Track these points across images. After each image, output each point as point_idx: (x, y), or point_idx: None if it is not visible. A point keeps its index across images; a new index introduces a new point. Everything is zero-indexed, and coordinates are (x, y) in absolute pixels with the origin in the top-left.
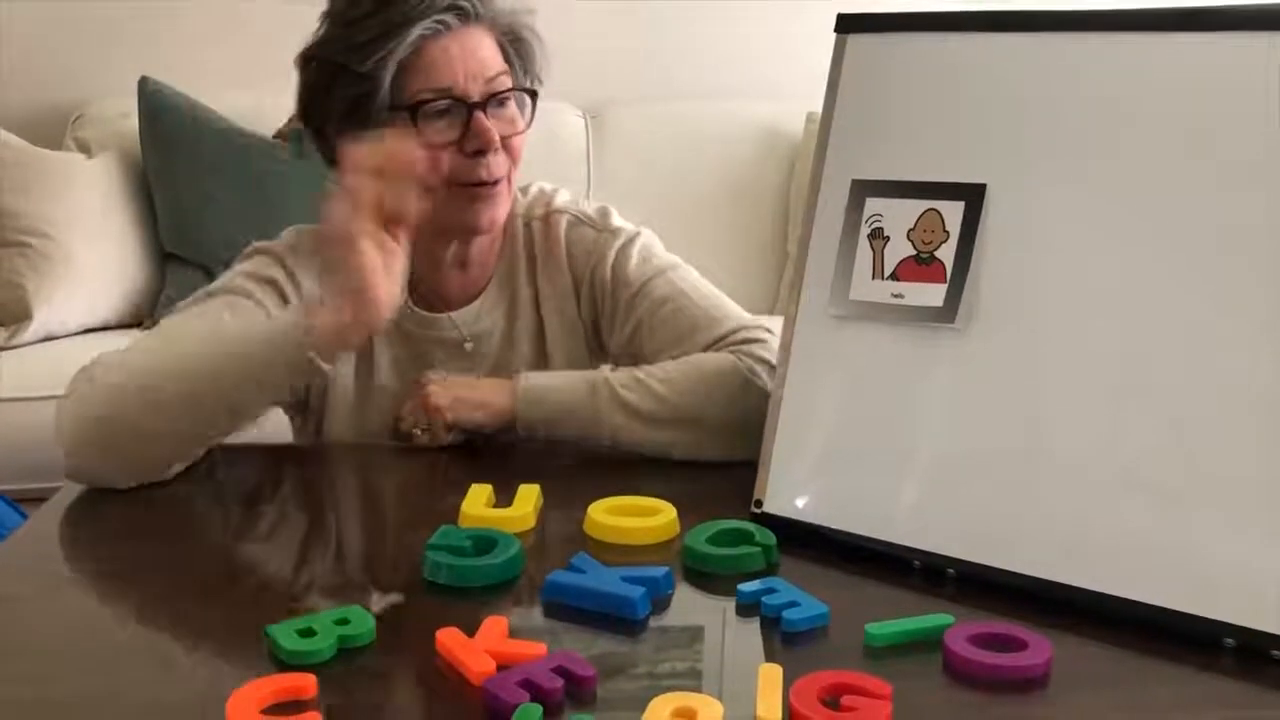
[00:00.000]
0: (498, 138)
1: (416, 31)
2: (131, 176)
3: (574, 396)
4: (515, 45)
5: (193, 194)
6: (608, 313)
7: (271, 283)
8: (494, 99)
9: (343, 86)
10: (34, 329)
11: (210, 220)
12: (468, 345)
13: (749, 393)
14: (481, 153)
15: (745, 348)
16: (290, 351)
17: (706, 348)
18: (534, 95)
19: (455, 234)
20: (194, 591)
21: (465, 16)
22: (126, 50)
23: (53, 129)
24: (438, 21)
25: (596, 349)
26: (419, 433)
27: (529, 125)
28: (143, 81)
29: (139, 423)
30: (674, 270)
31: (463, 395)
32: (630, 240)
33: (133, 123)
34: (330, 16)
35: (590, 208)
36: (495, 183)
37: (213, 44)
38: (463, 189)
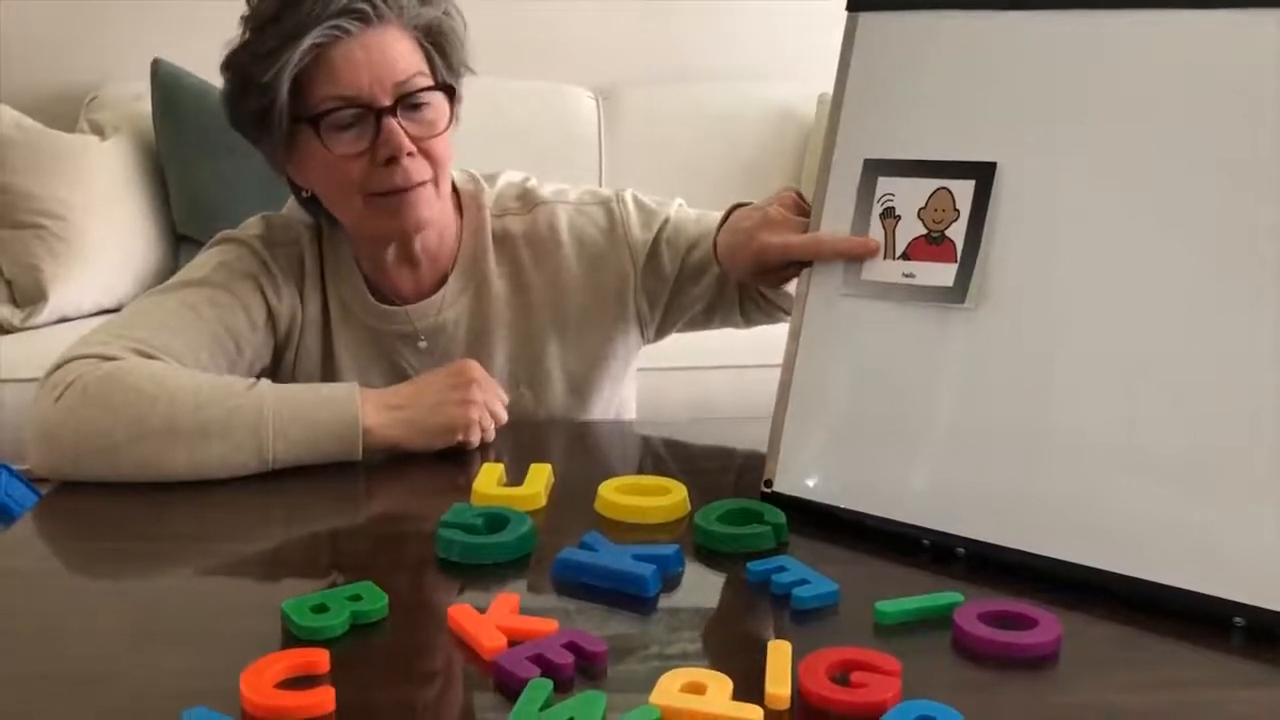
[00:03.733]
0: (408, 143)
1: (309, 40)
2: (145, 158)
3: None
4: (434, 41)
5: (205, 176)
6: (656, 260)
7: (251, 277)
8: (405, 102)
9: (249, 97)
10: (49, 310)
11: (223, 202)
12: (421, 343)
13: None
14: (394, 160)
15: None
16: (341, 453)
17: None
18: (451, 92)
19: (386, 239)
20: (208, 568)
21: (366, 19)
22: (139, 33)
23: (67, 111)
24: (334, 28)
25: (622, 317)
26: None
27: (451, 124)
28: (155, 64)
29: (127, 475)
30: (672, 204)
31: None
32: (635, 197)
33: (146, 105)
34: (244, 22)
35: (573, 192)
36: (411, 189)
37: (225, 26)
38: (380, 198)
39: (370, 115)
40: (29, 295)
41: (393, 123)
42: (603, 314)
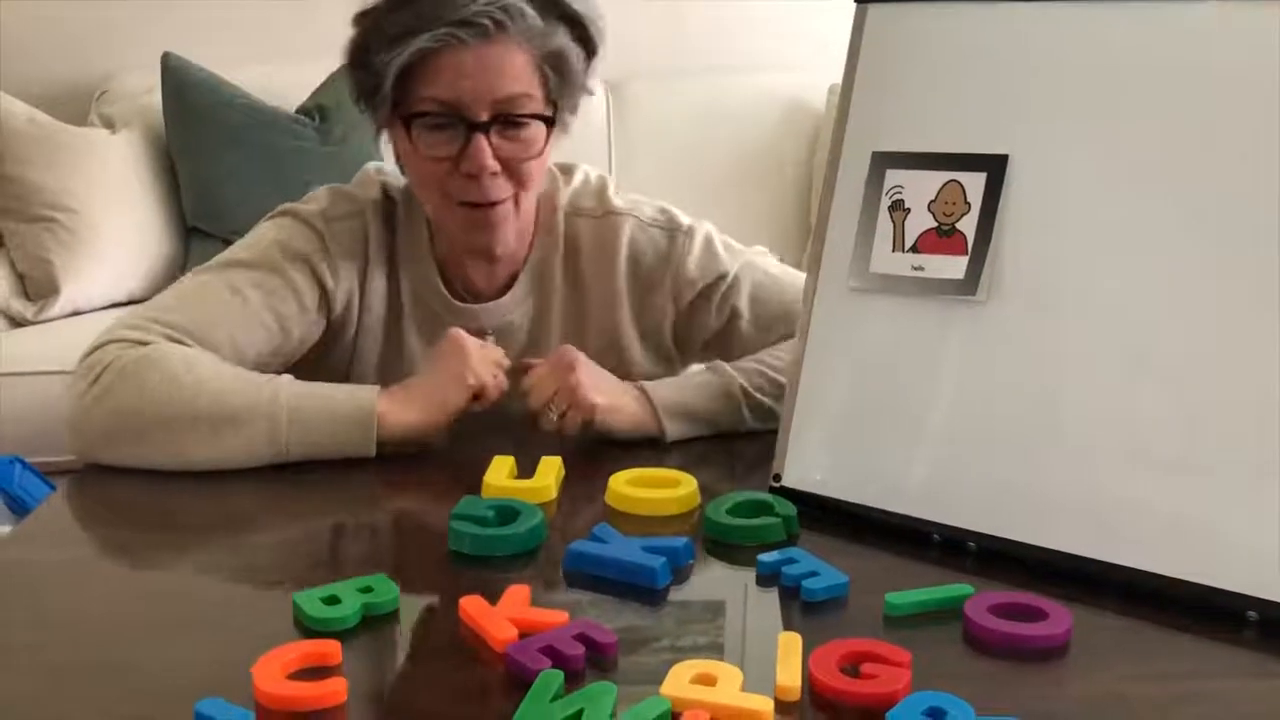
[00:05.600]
0: (493, 164)
1: (421, 41)
2: (155, 151)
3: (715, 406)
4: (555, 67)
5: (215, 168)
6: (698, 309)
7: (304, 259)
8: (502, 120)
9: (361, 71)
10: (61, 303)
11: (233, 194)
12: (489, 337)
13: None
14: (477, 175)
15: None
16: (355, 433)
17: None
18: (550, 124)
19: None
20: (220, 560)
21: (484, 33)
22: (149, 26)
23: (77, 105)
24: (449, 34)
25: (655, 351)
26: (553, 416)
27: (543, 153)
28: (165, 57)
29: (155, 460)
30: (756, 255)
31: (615, 405)
32: (708, 236)
33: (156, 98)
34: None
35: (649, 207)
36: (492, 205)
37: (235, 19)
38: (461, 207)
39: (463, 126)
40: (41, 288)
41: (482, 140)
42: (643, 338)
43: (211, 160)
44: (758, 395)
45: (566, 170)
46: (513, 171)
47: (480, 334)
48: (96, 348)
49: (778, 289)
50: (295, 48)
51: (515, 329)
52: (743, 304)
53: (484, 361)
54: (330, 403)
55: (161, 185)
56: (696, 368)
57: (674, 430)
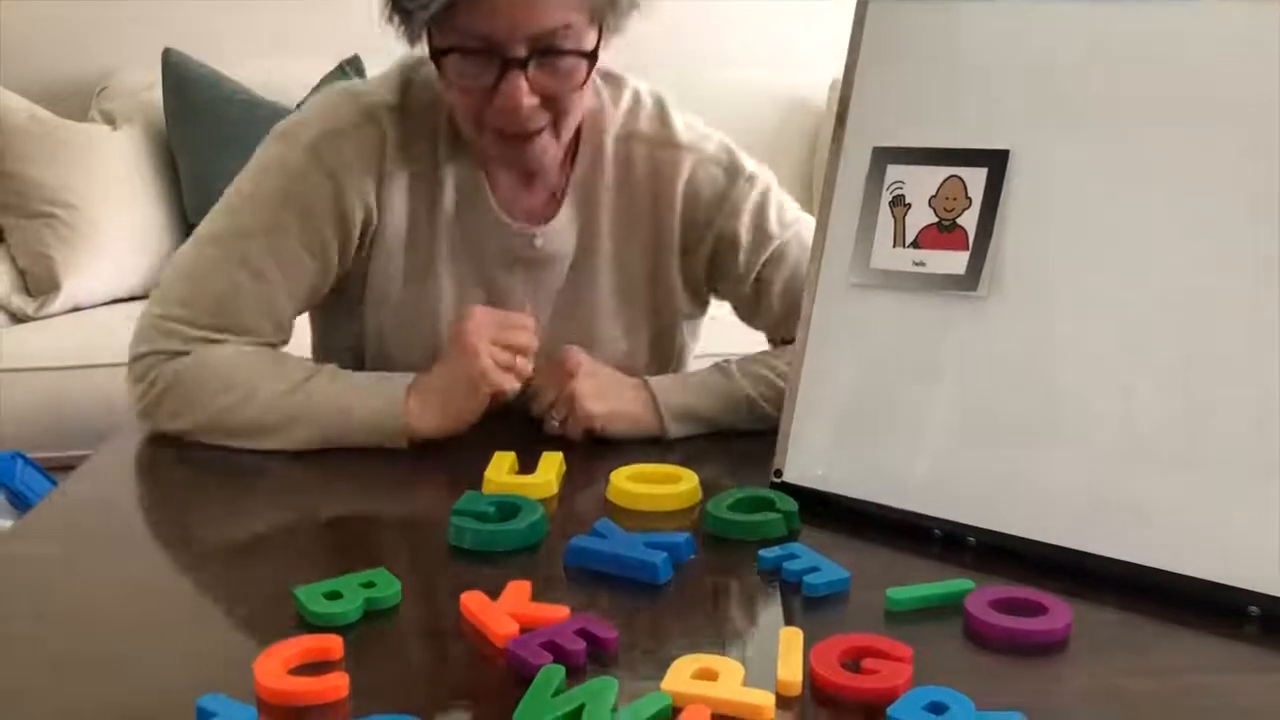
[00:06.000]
0: (527, 100)
1: None
2: (156, 147)
3: (719, 408)
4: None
5: (216, 164)
6: (732, 264)
7: (310, 209)
8: (541, 54)
9: (397, 11)
10: (62, 299)
11: None
12: (535, 249)
13: None
14: (508, 110)
15: None
16: (385, 437)
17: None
18: (592, 59)
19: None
20: (222, 554)
21: None
22: (150, 22)
23: (78, 101)
24: None
25: (694, 295)
26: (555, 422)
27: (584, 84)
28: (166, 53)
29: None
30: (802, 226)
31: (614, 409)
32: (765, 191)
33: (156, 94)
34: None
35: (713, 143)
36: (526, 135)
37: (235, 15)
38: (495, 134)
39: (498, 60)
40: (42, 284)
41: (518, 77)
42: (686, 280)
43: (212, 156)
44: (762, 404)
45: (615, 84)
46: (552, 103)
47: (521, 262)
48: (138, 358)
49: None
50: (296, 43)
51: (561, 257)
52: (778, 277)
53: (497, 365)
54: (361, 411)
55: (162, 181)
56: (704, 366)
57: (676, 430)
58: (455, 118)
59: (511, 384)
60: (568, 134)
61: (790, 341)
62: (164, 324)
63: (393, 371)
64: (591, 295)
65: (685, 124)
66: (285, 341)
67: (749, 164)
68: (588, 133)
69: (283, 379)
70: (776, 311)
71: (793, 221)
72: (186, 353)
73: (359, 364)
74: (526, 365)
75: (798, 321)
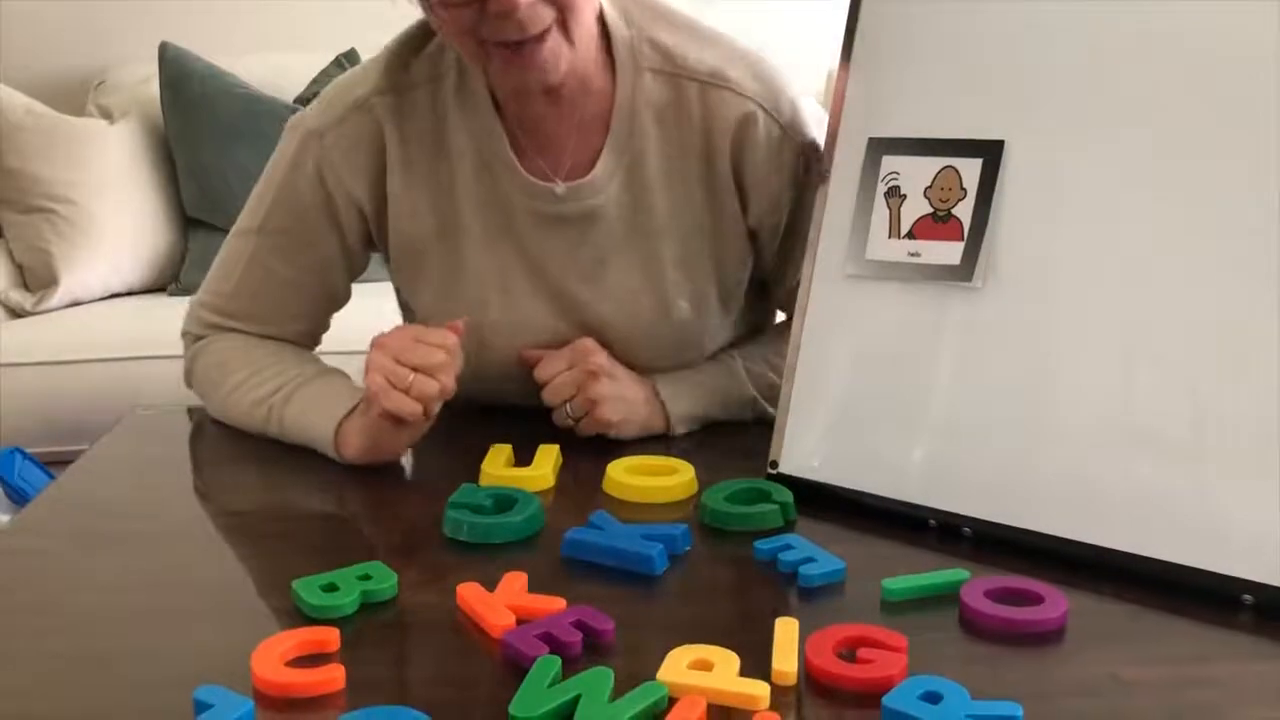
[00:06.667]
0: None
1: None
2: (153, 142)
3: (725, 410)
4: None
5: (214, 159)
6: (770, 224)
7: (312, 208)
8: None
9: None
10: (60, 294)
11: (232, 185)
12: (558, 192)
13: None
14: (504, 14)
15: None
16: (328, 450)
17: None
18: None
19: (517, 99)
20: (219, 548)
21: None
22: (147, 16)
23: (75, 95)
24: None
25: (748, 237)
26: (570, 420)
27: None
28: (163, 47)
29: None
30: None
31: (629, 416)
32: (815, 155)
33: (154, 88)
34: None
35: (785, 102)
36: (536, 40)
37: (232, 9)
38: (499, 49)
39: None
40: (40, 279)
41: None
42: (741, 220)
43: (210, 150)
44: (764, 404)
45: (646, 6)
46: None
47: (561, 220)
48: (182, 336)
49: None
50: (293, 37)
51: (604, 212)
52: (794, 229)
53: (393, 386)
54: (312, 435)
55: (160, 175)
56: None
57: (681, 430)
58: (458, 49)
59: (410, 407)
60: (582, 37)
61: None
62: (196, 307)
63: None
64: (650, 253)
65: (745, 61)
66: (312, 332)
67: (806, 127)
68: (624, 67)
69: (258, 386)
70: (790, 288)
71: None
72: (202, 338)
73: None
74: (428, 385)
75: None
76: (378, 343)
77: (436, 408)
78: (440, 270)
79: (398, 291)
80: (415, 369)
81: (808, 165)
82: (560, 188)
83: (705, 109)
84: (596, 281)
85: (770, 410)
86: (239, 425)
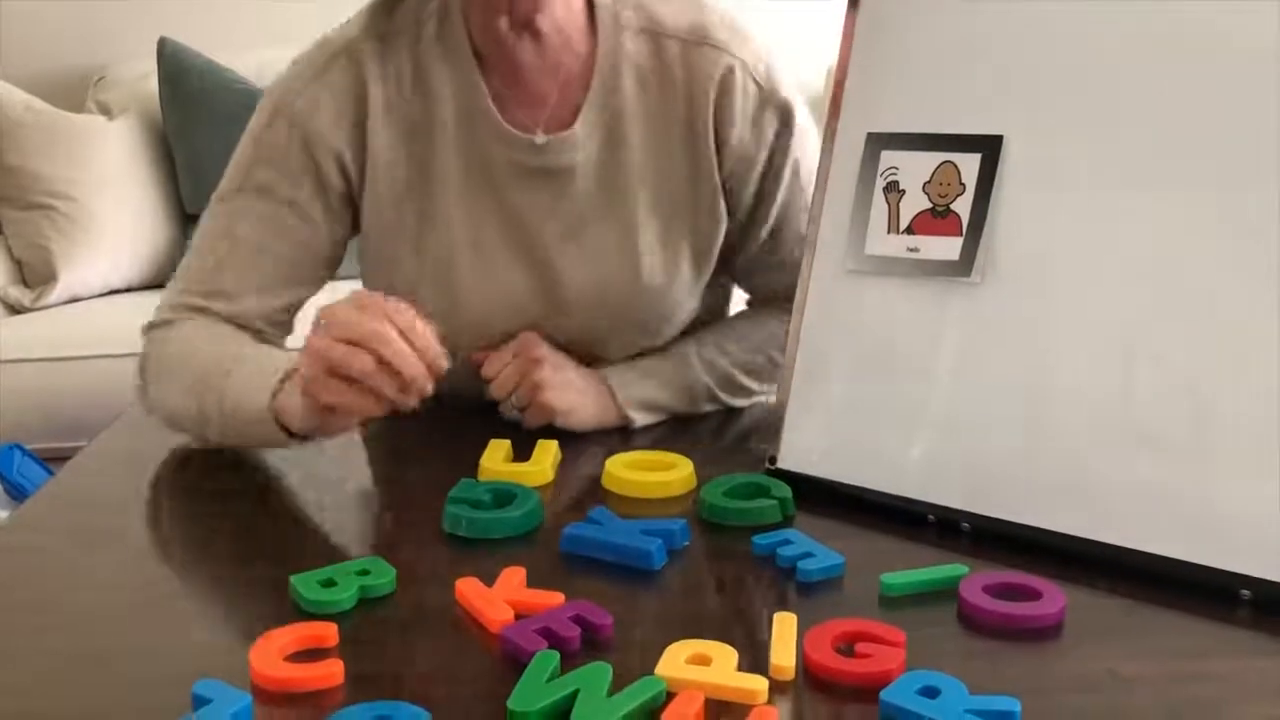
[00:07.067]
0: None
1: None
2: (152, 138)
3: (677, 399)
4: None
5: (213, 155)
6: (740, 190)
7: (290, 173)
8: None
9: None
10: (59, 290)
11: None
12: (539, 142)
13: None
14: None
15: None
16: (268, 437)
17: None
18: None
19: (498, 43)
20: (216, 543)
21: None
22: (146, 12)
23: (74, 92)
24: None
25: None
26: (514, 411)
27: None
28: (162, 43)
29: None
30: (807, 180)
31: (576, 403)
32: (799, 135)
33: (153, 84)
34: None
35: (750, 49)
36: None
37: (231, 5)
38: None
39: None
40: (39, 275)
41: None
42: (716, 179)
43: (209, 146)
44: (720, 394)
45: None
46: None
47: (539, 173)
48: (142, 329)
49: (789, 240)
50: (291, 32)
51: (582, 167)
52: (769, 219)
53: (329, 373)
54: (244, 414)
55: (159, 171)
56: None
57: (639, 420)
58: (445, 18)
59: (358, 404)
60: None
61: (761, 303)
62: (166, 296)
63: None
64: (623, 212)
65: (721, 19)
66: (285, 315)
67: (788, 98)
68: (604, 28)
69: (196, 389)
70: (751, 254)
71: (807, 176)
72: (168, 322)
73: None
74: (365, 362)
75: (774, 277)
76: (321, 313)
77: (407, 400)
78: (414, 223)
79: (364, 280)
80: (362, 346)
81: (781, 127)
82: (540, 138)
83: (687, 68)
84: (571, 240)
85: (728, 400)
86: (176, 416)
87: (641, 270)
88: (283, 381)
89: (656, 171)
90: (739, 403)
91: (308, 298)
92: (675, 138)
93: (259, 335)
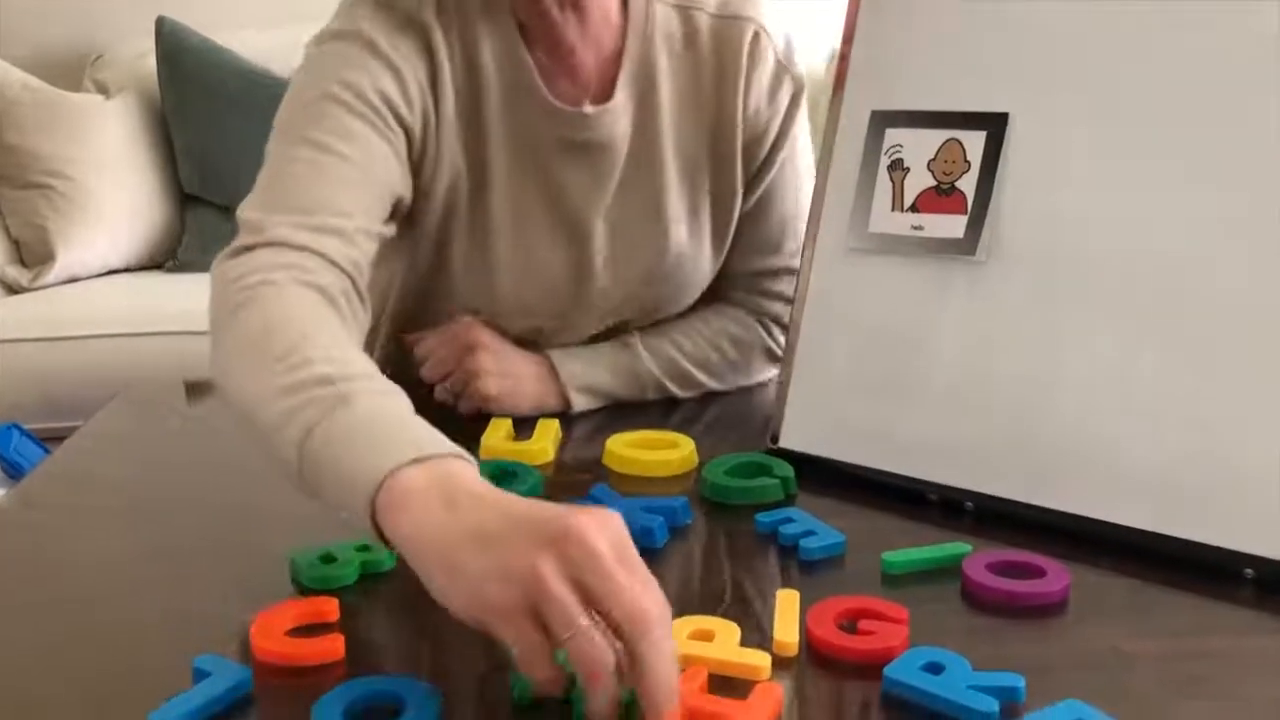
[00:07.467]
0: None
1: None
2: (150, 118)
3: (621, 384)
4: None
5: (211, 135)
6: (748, 163)
7: (372, 108)
8: None
9: None
10: (57, 270)
11: (229, 162)
12: (588, 114)
13: (769, 362)
14: None
15: (771, 305)
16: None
17: (758, 274)
18: None
19: (542, 16)
20: (215, 521)
21: None
22: None
23: (72, 71)
24: None
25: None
26: (450, 396)
27: None
28: (159, 22)
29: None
30: (804, 164)
31: (513, 388)
32: (802, 114)
33: (150, 63)
34: None
35: (781, 33)
36: None
37: None
38: None
39: None
40: (37, 255)
41: None
42: (745, 175)
43: (207, 126)
44: (669, 384)
45: None
46: None
47: (580, 148)
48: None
49: (776, 220)
50: (290, 11)
51: (618, 141)
52: (761, 195)
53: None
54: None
55: (157, 151)
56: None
57: (580, 403)
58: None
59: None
60: None
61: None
62: (240, 231)
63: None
64: (654, 182)
65: None
66: (364, 237)
67: (799, 65)
68: (637, 6)
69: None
70: (744, 236)
71: (802, 156)
72: (251, 247)
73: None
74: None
75: (744, 260)
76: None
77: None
78: (467, 199)
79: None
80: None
81: (791, 102)
82: (589, 108)
83: (717, 39)
84: (607, 212)
85: (677, 391)
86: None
87: (670, 240)
88: (420, 461)
89: (684, 142)
90: (688, 394)
91: (380, 239)
92: (702, 109)
93: (349, 297)
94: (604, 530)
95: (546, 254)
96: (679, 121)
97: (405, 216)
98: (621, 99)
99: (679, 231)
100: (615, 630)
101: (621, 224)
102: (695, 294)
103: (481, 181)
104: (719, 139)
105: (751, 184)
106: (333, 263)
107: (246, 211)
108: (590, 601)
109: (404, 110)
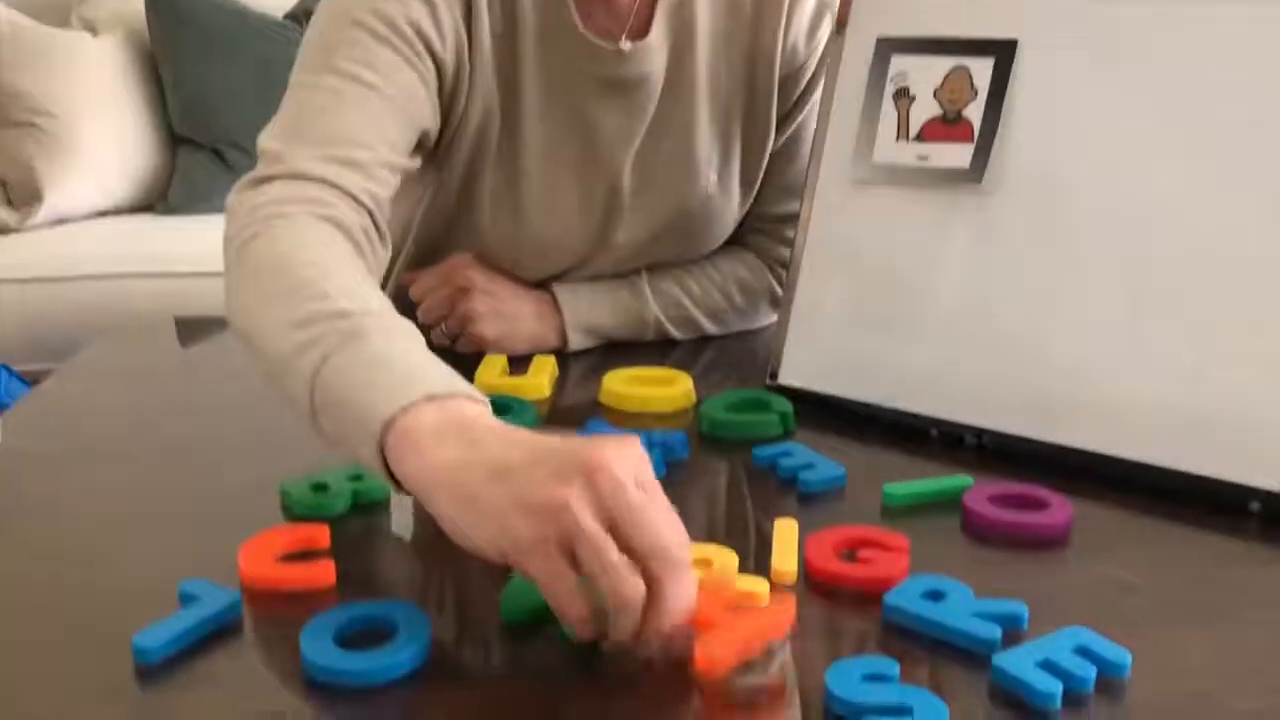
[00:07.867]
0: None
1: None
2: (139, 57)
3: (622, 324)
4: None
5: (201, 76)
6: (782, 102)
7: (404, 38)
8: None
9: None
10: (45, 211)
11: (219, 103)
12: (625, 49)
13: (774, 309)
14: None
15: (784, 251)
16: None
17: (777, 219)
18: None
19: None
20: (205, 450)
21: None
22: None
23: (59, 8)
24: None
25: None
26: (447, 339)
27: None
28: None
29: None
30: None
31: (510, 330)
32: (836, 38)
33: (139, 2)
34: None
35: None
36: None
37: None
38: None
39: None
40: (24, 195)
41: None
42: (777, 116)
43: (196, 66)
44: (668, 325)
45: None
46: None
47: (615, 85)
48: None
49: (800, 166)
50: None
51: (653, 78)
52: (785, 142)
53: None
54: (345, 396)
55: (146, 91)
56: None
57: (577, 342)
58: None
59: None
60: None
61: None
62: (259, 161)
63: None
64: (686, 122)
65: None
66: (387, 171)
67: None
68: None
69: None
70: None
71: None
72: (270, 178)
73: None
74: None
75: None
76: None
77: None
78: (499, 136)
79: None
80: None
81: (828, 39)
82: (626, 44)
83: None
84: (638, 152)
85: (675, 333)
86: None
87: (700, 183)
88: (433, 399)
89: (718, 81)
90: (687, 337)
91: (403, 172)
92: (738, 47)
93: (368, 233)
94: (627, 461)
95: (574, 193)
96: (714, 59)
97: (432, 151)
98: (658, 34)
99: (709, 175)
100: (637, 560)
101: (652, 166)
102: (720, 240)
103: (514, 118)
104: (755, 73)
105: (783, 122)
106: (353, 197)
107: (267, 141)
108: (615, 533)
109: (436, 43)
